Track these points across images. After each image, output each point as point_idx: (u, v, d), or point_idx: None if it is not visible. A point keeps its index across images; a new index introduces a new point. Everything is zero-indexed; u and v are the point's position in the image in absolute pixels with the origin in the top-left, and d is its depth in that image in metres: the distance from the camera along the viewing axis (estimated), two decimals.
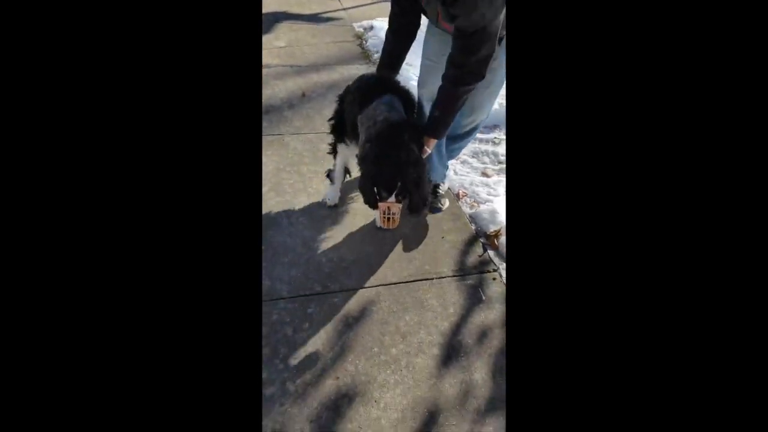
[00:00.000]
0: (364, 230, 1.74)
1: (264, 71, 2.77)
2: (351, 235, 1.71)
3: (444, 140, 1.69)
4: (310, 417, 1.16)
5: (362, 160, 1.44)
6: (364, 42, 3.34)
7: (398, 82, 1.59)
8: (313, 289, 1.48)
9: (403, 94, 1.56)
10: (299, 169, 1.99)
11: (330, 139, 1.77)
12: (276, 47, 3.14)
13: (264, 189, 1.85)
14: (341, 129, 1.69)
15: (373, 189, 1.41)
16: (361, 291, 1.50)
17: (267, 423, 1.14)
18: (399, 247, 1.68)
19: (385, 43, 1.60)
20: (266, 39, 3.25)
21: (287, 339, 1.33)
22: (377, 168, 1.37)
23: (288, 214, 1.76)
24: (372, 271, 1.57)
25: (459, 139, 1.77)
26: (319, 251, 1.62)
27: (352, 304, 1.45)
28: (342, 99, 1.70)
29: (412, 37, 1.58)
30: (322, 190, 1.84)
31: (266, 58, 2.94)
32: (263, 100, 2.46)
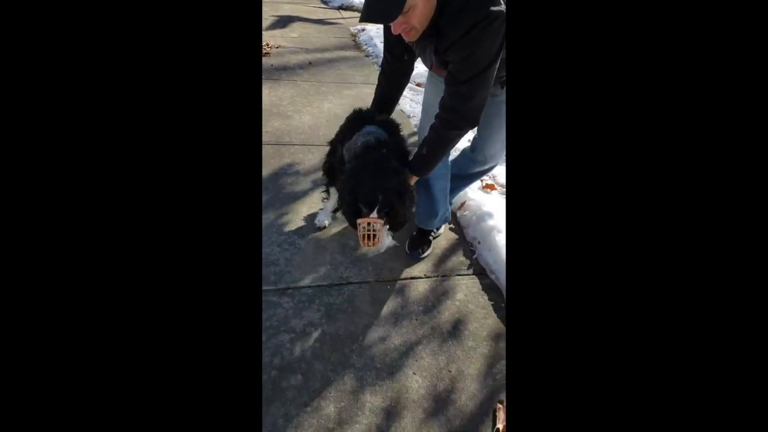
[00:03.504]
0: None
1: (281, 50, 3.84)
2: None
3: (448, 184, 1.64)
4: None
5: (343, 178, 1.39)
6: (357, 38, 4.45)
7: (376, 114, 1.55)
8: (315, 142, 2.44)
9: (384, 122, 1.52)
10: (306, 97, 2.99)
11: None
12: (291, 36, 4.24)
13: (284, 103, 2.85)
14: (333, 174, 1.67)
15: (353, 203, 1.33)
16: None
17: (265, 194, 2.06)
18: None
19: (377, 86, 1.59)
20: (283, 31, 4.36)
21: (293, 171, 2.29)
22: (356, 180, 1.30)
23: (299, 113, 2.76)
24: None
25: (468, 178, 1.76)
26: (317, 126, 2.59)
27: None
28: (333, 145, 1.66)
29: (404, 81, 1.58)
30: (321, 105, 2.85)
31: (283, 42, 4.02)
32: (282, 65, 3.51)
